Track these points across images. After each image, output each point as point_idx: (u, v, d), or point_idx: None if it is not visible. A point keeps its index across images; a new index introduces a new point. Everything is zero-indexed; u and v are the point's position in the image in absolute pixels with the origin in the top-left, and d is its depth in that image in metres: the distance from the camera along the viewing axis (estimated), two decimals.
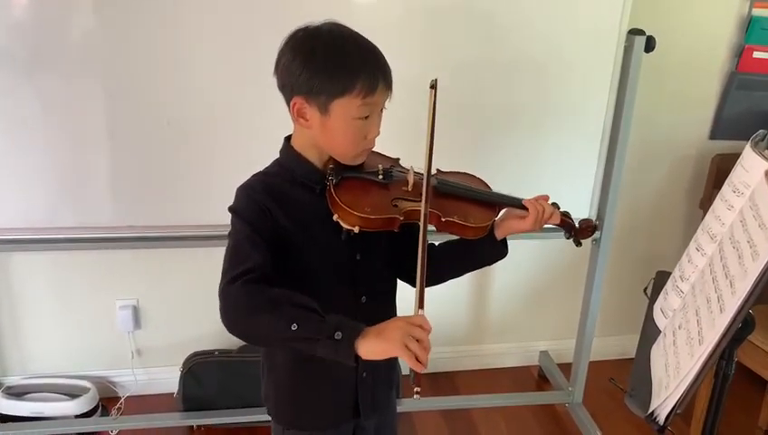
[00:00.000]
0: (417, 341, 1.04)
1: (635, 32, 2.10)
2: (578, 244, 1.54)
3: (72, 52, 1.87)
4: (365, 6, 2.00)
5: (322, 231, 1.25)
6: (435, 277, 1.37)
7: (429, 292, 1.35)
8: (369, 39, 1.22)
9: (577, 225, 1.51)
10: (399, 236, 1.28)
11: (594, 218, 2.31)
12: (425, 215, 1.22)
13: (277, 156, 1.31)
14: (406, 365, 1.05)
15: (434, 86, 1.28)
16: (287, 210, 1.22)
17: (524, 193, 1.41)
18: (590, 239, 2.35)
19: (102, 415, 2.44)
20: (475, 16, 2.01)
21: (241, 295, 1.10)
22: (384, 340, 1.05)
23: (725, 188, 1.12)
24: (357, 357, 1.06)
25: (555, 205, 1.48)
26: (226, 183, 1.28)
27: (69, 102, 1.91)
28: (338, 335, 1.05)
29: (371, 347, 1.05)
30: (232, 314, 1.11)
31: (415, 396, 1.03)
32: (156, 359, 2.56)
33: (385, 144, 1.32)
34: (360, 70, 1.15)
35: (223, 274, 1.14)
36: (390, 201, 1.27)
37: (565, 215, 1.49)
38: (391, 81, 1.21)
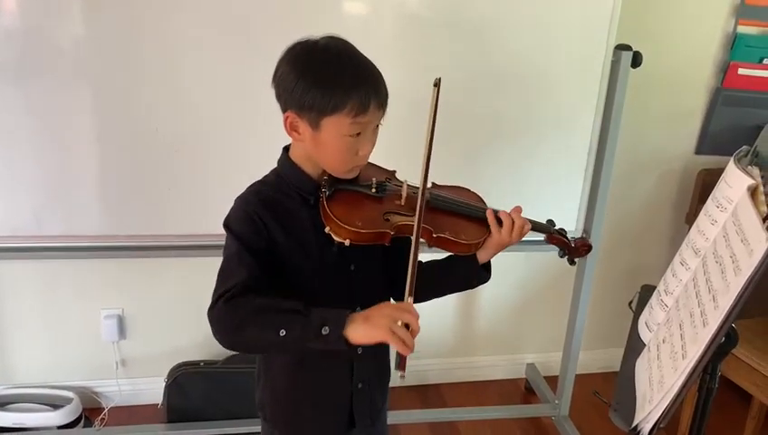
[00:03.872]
0: (407, 325, 1.08)
1: (622, 47, 2.12)
2: (572, 263, 1.52)
3: (60, 59, 1.86)
4: (358, 19, 2.01)
5: (316, 242, 1.25)
6: (416, 297, 1.38)
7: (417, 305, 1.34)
8: (362, 52, 1.22)
9: (572, 243, 1.49)
10: (391, 249, 1.29)
11: (581, 232, 2.32)
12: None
13: (267, 166, 1.31)
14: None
15: (437, 84, 1.28)
16: (282, 221, 1.23)
17: (510, 206, 1.41)
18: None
19: (86, 426, 2.42)
20: (464, 30, 2.02)
21: (224, 314, 1.14)
22: (371, 326, 1.09)
23: (709, 203, 1.13)
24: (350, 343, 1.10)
25: (551, 222, 1.48)
26: (214, 193, 1.28)
27: (56, 110, 1.89)
28: (325, 331, 1.09)
29: (359, 333, 1.09)
30: (221, 333, 1.15)
31: (399, 378, 1.08)
32: (140, 369, 2.54)
33: (376, 156, 1.32)
34: (351, 89, 1.15)
35: (213, 293, 1.17)
36: (382, 215, 1.27)
37: (560, 233, 1.48)
38: (385, 99, 1.21)
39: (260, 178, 1.31)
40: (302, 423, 1.40)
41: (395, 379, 1.51)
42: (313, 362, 1.33)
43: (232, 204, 1.26)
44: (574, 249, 1.49)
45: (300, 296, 1.18)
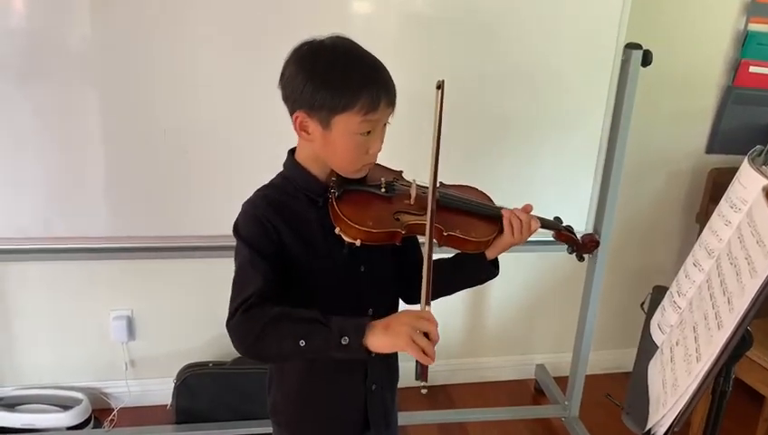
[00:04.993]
0: (426, 334, 1.07)
1: (632, 46, 2.10)
2: (580, 259, 1.54)
3: (67, 60, 1.86)
4: (362, 18, 2.00)
5: (325, 244, 1.25)
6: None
7: None
8: (370, 52, 1.21)
9: (580, 240, 1.50)
10: (402, 249, 1.28)
11: (591, 232, 2.30)
12: (431, 210, 1.22)
13: (275, 167, 1.31)
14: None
15: (440, 86, 1.26)
16: (290, 224, 1.22)
17: (519, 206, 1.40)
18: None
19: (95, 427, 2.42)
20: (473, 29, 2.01)
21: (243, 326, 1.13)
22: (391, 335, 1.07)
23: (723, 204, 1.12)
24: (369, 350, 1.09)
25: (558, 219, 1.48)
26: (223, 194, 1.28)
27: (63, 111, 1.89)
28: (345, 341, 1.07)
29: (379, 342, 1.08)
30: (241, 344, 1.14)
31: (422, 391, 1.07)
32: (150, 370, 2.54)
33: (382, 155, 1.31)
34: (362, 87, 1.15)
35: (229, 303, 1.16)
36: (392, 215, 1.27)
37: (568, 230, 1.49)
38: (395, 97, 1.20)
39: (267, 181, 1.30)
40: (317, 427, 1.39)
41: (402, 380, 1.51)
42: (326, 365, 1.32)
43: (240, 206, 1.25)
44: (582, 245, 1.51)
45: (310, 298, 1.18)
